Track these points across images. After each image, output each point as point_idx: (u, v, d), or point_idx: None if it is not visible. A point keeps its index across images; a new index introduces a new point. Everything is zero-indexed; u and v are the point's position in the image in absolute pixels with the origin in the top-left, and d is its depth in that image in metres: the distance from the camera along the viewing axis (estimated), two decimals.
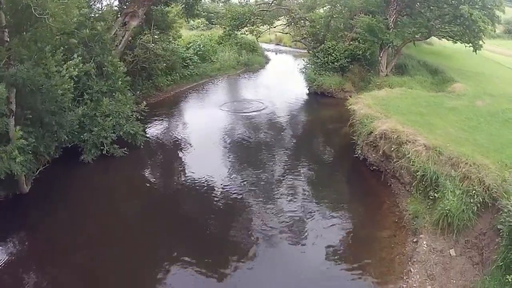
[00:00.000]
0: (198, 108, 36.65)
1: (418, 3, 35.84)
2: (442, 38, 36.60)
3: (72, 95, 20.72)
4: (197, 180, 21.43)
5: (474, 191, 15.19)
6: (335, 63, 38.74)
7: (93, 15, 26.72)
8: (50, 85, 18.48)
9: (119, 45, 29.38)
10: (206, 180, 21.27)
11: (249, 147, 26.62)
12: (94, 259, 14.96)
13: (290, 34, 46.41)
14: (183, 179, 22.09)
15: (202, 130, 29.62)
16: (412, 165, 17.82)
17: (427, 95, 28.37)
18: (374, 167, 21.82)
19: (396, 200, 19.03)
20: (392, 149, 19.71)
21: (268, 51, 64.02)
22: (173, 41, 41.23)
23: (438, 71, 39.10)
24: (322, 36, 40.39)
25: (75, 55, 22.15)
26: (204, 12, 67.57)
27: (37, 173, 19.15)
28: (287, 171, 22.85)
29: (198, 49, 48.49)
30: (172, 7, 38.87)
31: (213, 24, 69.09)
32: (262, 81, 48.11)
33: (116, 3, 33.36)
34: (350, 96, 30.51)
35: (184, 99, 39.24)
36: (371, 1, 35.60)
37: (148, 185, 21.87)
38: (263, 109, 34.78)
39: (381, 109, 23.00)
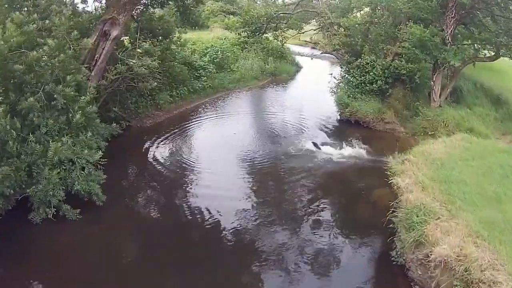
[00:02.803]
0: (196, 136, 27.87)
1: (479, 10, 25.57)
2: None
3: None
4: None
5: None
6: (374, 85, 28.68)
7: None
8: None
9: (98, 60, 22.37)
10: None
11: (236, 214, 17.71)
12: None
13: (320, 44, 35.67)
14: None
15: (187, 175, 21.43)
16: None
17: (498, 149, 18.61)
18: (417, 286, 12.91)
19: None
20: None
21: (301, 55, 54.08)
22: (176, 49, 32.10)
23: (502, 101, 29.30)
24: (359, 48, 30.05)
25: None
26: (239, 10, 58.06)
27: None
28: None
29: (215, 55, 39.52)
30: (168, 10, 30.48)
31: None
32: (287, 98, 38.24)
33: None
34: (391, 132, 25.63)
35: (186, 122, 30.16)
36: (423, 5, 24.80)
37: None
38: (274, 146, 25.46)
39: (440, 192, 13.58)
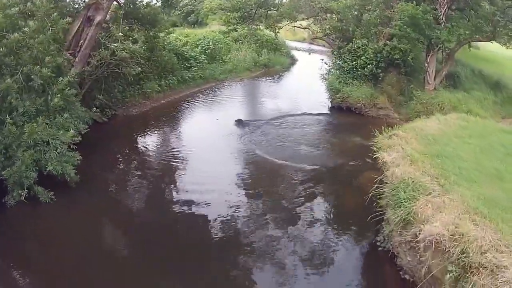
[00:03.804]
0: (181, 124, 26.48)
1: None
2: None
3: None
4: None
5: None
6: (365, 69, 26.57)
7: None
8: None
9: (82, 46, 21.42)
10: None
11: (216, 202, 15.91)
12: None
13: (309, 30, 33.38)
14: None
15: (170, 157, 20.21)
16: None
17: (498, 128, 16.95)
18: (407, 275, 11.03)
19: None
20: (449, 274, 8.56)
21: (298, 50, 51.53)
22: (164, 38, 30.80)
23: (501, 85, 27.49)
24: (351, 32, 27.96)
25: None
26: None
27: None
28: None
29: (206, 46, 37.95)
30: None
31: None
32: (280, 88, 36.38)
33: None
34: (385, 117, 24.08)
35: (173, 110, 28.61)
36: None
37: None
38: (263, 132, 23.64)
39: (432, 167, 11.54)
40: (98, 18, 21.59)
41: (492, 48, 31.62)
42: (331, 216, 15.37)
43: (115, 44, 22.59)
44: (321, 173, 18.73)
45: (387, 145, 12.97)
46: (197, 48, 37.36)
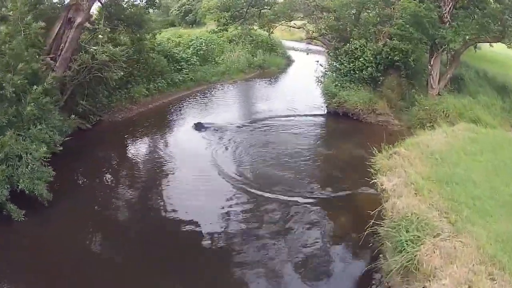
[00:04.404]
0: (165, 131, 24.39)
1: None
2: None
3: None
4: None
5: None
6: (364, 72, 24.29)
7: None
8: None
9: (63, 50, 20.17)
10: None
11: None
12: None
13: (304, 29, 30.98)
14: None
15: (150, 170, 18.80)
16: None
17: (510, 139, 14.75)
18: None
19: None
20: None
21: (295, 50, 48.93)
22: (151, 40, 29.24)
23: (508, 89, 24.72)
24: (348, 32, 25.77)
25: None
26: None
27: None
28: None
29: (199, 47, 35.94)
30: None
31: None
32: (273, 91, 34.17)
33: None
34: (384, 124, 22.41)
35: (159, 115, 26.97)
36: None
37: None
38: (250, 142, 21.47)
39: (441, 198, 9.36)
40: (78, 19, 20.26)
41: (493, 48, 29.20)
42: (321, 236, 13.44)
43: (95, 48, 21.22)
44: (305, 206, 15.25)
45: (387, 167, 10.84)
46: (189, 49, 35.48)
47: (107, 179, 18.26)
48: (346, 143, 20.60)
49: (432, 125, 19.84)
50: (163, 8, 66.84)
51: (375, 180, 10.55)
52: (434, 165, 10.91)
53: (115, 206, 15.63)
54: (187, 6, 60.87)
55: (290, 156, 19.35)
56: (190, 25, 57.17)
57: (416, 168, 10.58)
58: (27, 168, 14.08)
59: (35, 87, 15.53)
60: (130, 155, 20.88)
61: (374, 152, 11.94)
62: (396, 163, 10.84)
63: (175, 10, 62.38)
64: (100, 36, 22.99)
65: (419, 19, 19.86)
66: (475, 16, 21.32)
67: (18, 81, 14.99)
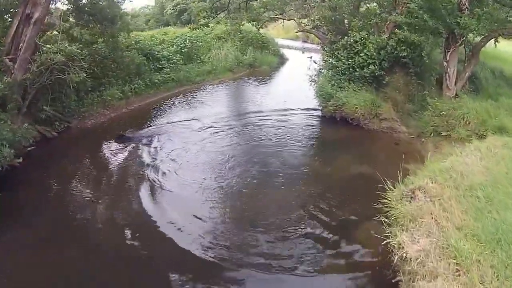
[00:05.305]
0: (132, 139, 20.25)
1: None
2: None
3: None
4: None
5: None
6: (365, 69, 20.14)
7: None
8: None
9: (21, 50, 18.09)
10: None
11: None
12: None
13: (295, 22, 26.89)
14: None
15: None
16: None
17: None
18: None
19: None
20: None
21: (290, 48, 45.46)
22: (126, 37, 26.70)
23: None
24: (346, 24, 21.75)
25: None
26: None
27: None
28: None
29: (183, 45, 32.50)
30: None
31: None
32: (262, 92, 29.55)
33: None
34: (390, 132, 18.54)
35: (131, 121, 23.00)
36: None
37: None
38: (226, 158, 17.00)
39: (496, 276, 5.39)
40: (36, 15, 18.10)
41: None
42: None
43: (48, 46, 18.66)
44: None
45: (409, 215, 6.86)
46: (172, 47, 32.13)
47: (62, 194, 15.07)
48: (344, 157, 16.42)
49: (449, 134, 16.15)
50: (158, 6, 63.83)
51: (390, 241, 6.52)
52: (478, 210, 7.01)
53: (65, 222, 12.81)
54: (181, 5, 57.49)
55: (272, 176, 15.18)
56: (186, 25, 54.31)
57: (453, 217, 6.63)
58: None
59: None
60: (94, 166, 17.88)
61: (384, 180, 8.00)
62: (421, 209, 6.87)
63: (170, 9, 59.25)
64: (55, 32, 20.77)
65: (434, 4, 15.82)
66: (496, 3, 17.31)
67: None
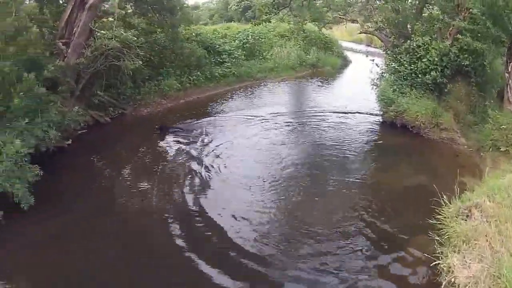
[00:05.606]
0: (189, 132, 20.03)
1: None
2: None
3: None
4: None
5: None
6: (427, 76, 19.29)
7: None
8: None
9: (75, 35, 17.98)
10: None
11: None
12: None
13: (358, 23, 26.16)
14: None
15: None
16: None
17: None
18: None
19: None
20: None
21: (354, 52, 44.74)
22: (187, 28, 27.53)
23: None
24: (409, 28, 21.09)
25: None
26: None
27: None
28: None
29: (245, 40, 32.59)
30: None
31: None
32: (324, 93, 29.05)
33: None
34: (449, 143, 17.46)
35: (188, 113, 22.97)
36: None
37: None
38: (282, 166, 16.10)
39: None
40: (90, 0, 17.86)
41: None
42: None
43: (103, 32, 19.24)
44: None
45: (462, 236, 6.37)
46: (234, 41, 32.35)
47: (107, 182, 15.00)
48: (401, 166, 15.75)
49: (508, 150, 15.26)
50: (222, 2, 64.34)
51: (440, 262, 6.04)
52: None
53: (108, 212, 12.61)
54: (246, 1, 57.78)
55: (324, 181, 14.62)
56: (250, 22, 54.71)
57: (509, 242, 6.11)
58: (1, 164, 11.77)
59: (26, 74, 13.60)
60: (143, 155, 17.65)
61: (440, 194, 7.51)
62: (476, 230, 6.36)
63: (234, 5, 59.52)
64: (111, 19, 20.60)
65: (496, 10, 14.94)
66: None
67: (6, 68, 13.33)
